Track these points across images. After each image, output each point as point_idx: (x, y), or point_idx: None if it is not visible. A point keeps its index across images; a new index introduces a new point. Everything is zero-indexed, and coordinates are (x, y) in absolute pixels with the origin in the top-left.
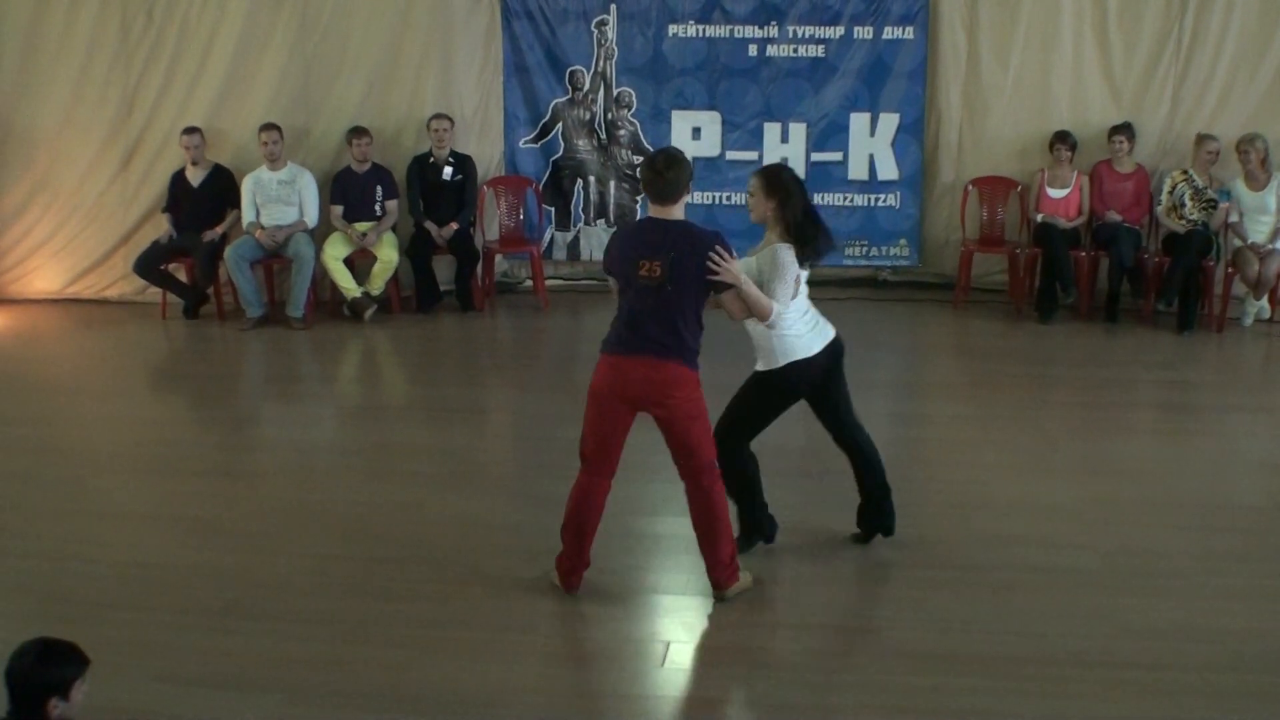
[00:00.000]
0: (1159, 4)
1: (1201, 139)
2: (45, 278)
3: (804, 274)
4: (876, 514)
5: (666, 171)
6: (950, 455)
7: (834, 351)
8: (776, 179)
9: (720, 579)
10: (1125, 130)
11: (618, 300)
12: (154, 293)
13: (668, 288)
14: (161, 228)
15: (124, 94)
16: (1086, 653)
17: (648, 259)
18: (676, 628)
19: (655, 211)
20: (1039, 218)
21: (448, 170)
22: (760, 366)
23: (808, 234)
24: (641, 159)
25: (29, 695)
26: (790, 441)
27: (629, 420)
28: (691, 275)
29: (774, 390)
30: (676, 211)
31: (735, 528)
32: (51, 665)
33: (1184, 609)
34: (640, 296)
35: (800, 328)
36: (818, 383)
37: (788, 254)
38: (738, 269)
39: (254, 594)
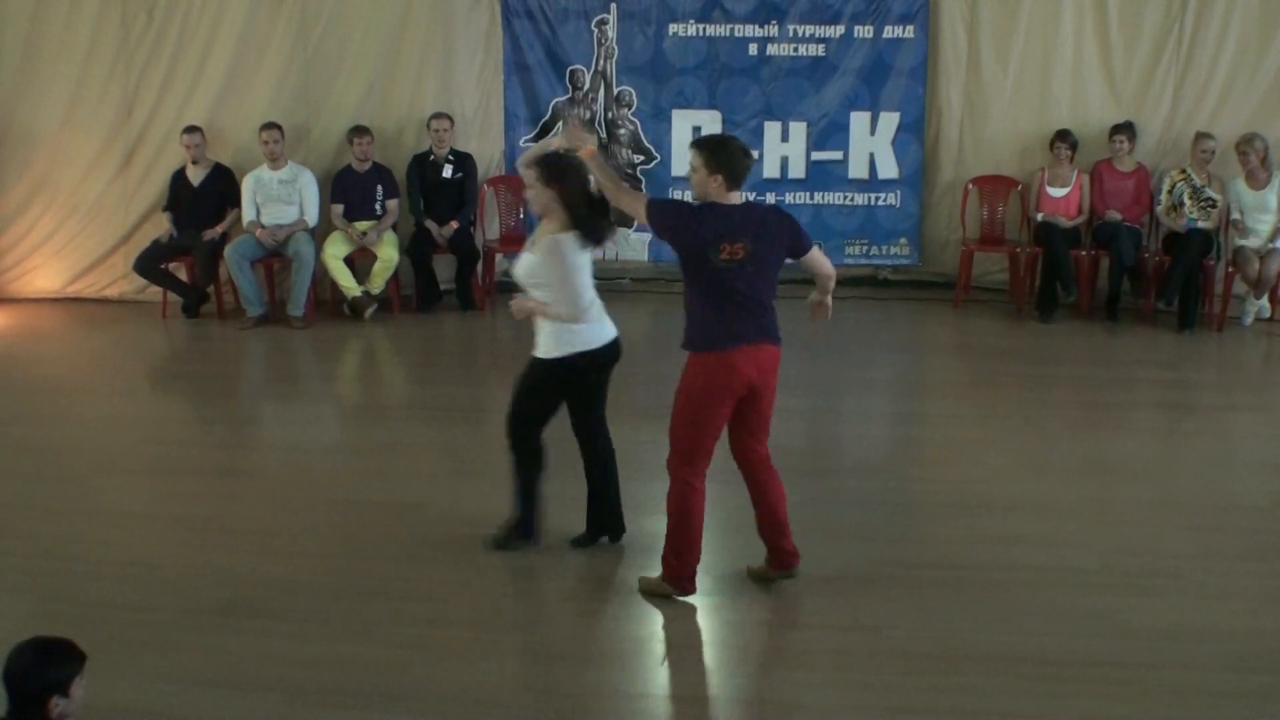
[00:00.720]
0: (1159, 3)
1: (1198, 137)
2: (46, 276)
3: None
4: (609, 518)
5: (748, 157)
6: (950, 455)
7: (614, 350)
8: (553, 168)
9: (787, 557)
10: (1126, 129)
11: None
12: (154, 291)
13: (749, 268)
14: (162, 227)
15: (124, 93)
16: (1086, 652)
17: (729, 242)
18: (677, 627)
19: (734, 197)
20: (1039, 217)
21: (448, 169)
22: (541, 354)
23: (588, 221)
24: (641, 158)
25: (29, 695)
26: (792, 441)
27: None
28: (775, 255)
29: (555, 378)
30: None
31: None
32: (50, 664)
33: (1183, 609)
34: (729, 279)
35: (589, 318)
36: (590, 379)
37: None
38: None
39: (254, 593)
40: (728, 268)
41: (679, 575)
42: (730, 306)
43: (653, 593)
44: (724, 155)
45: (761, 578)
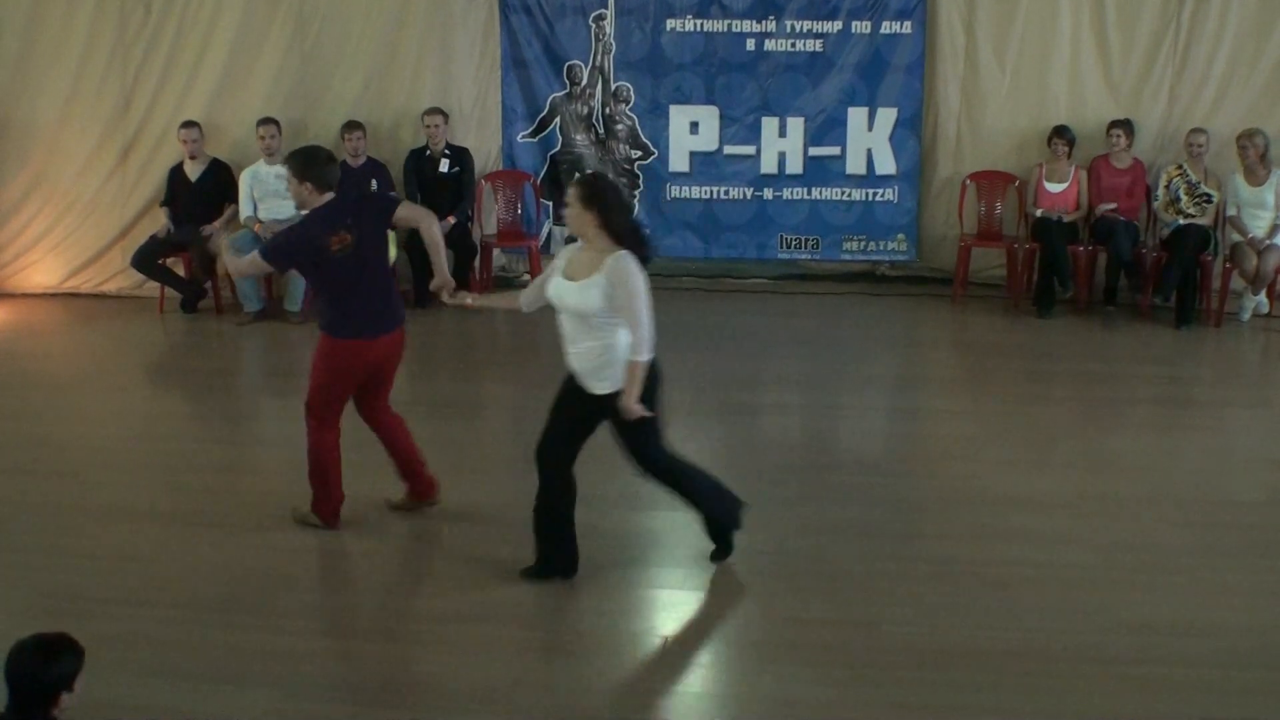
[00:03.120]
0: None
1: (1191, 132)
2: (43, 272)
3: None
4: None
5: (332, 162)
6: (947, 450)
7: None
8: (594, 189)
9: (428, 487)
10: (1123, 125)
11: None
12: (152, 287)
13: (363, 252)
14: (159, 222)
15: (122, 88)
16: (1082, 648)
17: (334, 233)
18: (673, 621)
19: (326, 197)
20: (1037, 212)
21: (445, 164)
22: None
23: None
24: (638, 153)
25: (35, 693)
26: (791, 437)
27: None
28: (378, 230)
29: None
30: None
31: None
32: (57, 661)
33: (1180, 604)
34: (350, 269)
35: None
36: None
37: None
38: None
39: (252, 588)
40: (342, 256)
41: (325, 511)
42: (358, 299)
43: (305, 522)
44: (310, 164)
45: (406, 508)
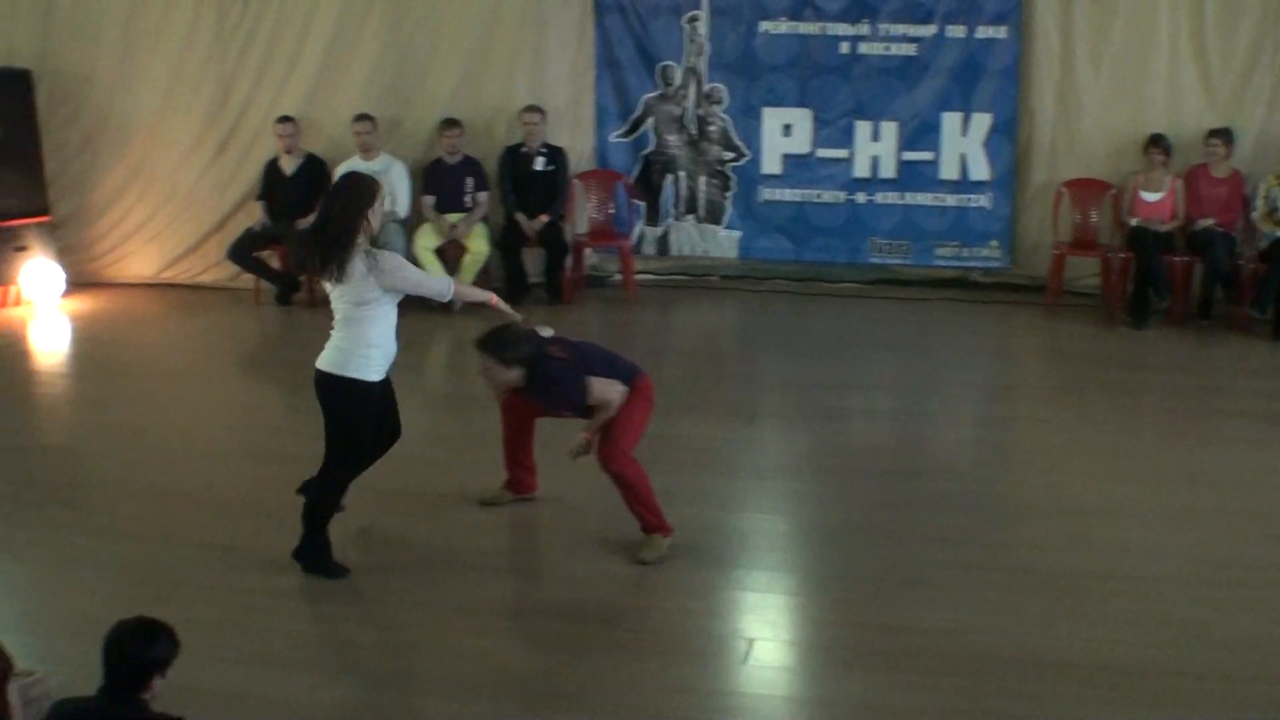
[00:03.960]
0: (1256, 6)
1: None
2: (141, 262)
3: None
4: None
5: None
6: (1036, 459)
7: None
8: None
9: None
10: (1222, 134)
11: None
12: (247, 279)
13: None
14: (255, 215)
15: (219, 82)
16: (1165, 662)
17: None
18: (760, 624)
19: None
20: (1133, 221)
21: (539, 161)
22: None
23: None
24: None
25: (131, 674)
26: (879, 443)
27: None
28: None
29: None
30: None
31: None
32: (154, 644)
33: (1268, 622)
34: None
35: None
36: None
37: None
38: None
39: (342, 579)
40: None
41: (664, 525)
42: (606, 355)
43: (659, 554)
44: (514, 347)
45: (500, 502)
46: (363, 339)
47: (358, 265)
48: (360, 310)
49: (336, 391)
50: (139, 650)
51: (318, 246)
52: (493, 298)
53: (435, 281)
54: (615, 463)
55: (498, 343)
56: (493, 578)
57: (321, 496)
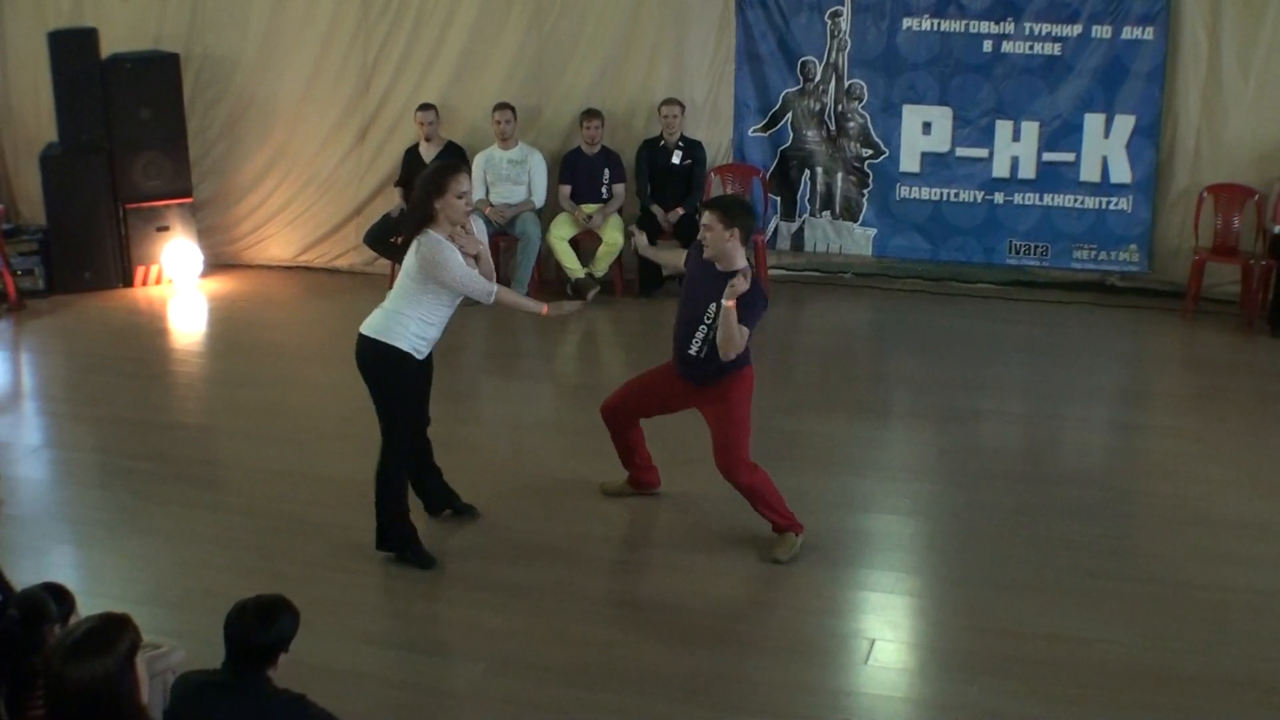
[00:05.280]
0: None
1: None
2: (279, 245)
3: None
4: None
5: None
6: (1170, 468)
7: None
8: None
9: None
10: None
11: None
12: (382, 264)
13: None
14: (393, 201)
15: (362, 70)
16: None
17: None
18: (882, 625)
19: None
20: (1276, 229)
21: (677, 155)
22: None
23: None
24: (869, 152)
25: (252, 653)
26: (1011, 446)
27: None
28: None
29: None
30: None
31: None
32: (274, 623)
33: None
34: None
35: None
36: None
37: None
38: None
39: (463, 564)
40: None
41: (795, 524)
42: None
43: (793, 553)
44: (742, 212)
45: (623, 494)
46: (404, 311)
47: (416, 247)
48: (410, 284)
49: (374, 356)
50: (258, 630)
51: (399, 226)
52: (545, 308)
53: (478, 284)
54: (737, 474)
55: (728, 201)
56: (610, 569)
57: (385, 477)
